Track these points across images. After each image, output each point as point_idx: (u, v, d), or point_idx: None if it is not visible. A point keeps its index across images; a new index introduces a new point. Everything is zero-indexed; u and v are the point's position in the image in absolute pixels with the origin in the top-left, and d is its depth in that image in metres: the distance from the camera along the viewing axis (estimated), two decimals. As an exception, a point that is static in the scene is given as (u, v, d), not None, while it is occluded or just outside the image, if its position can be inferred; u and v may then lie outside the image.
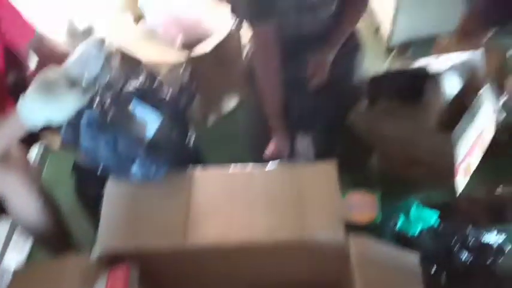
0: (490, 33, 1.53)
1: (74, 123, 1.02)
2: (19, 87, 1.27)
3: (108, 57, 0.91)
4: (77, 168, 1.21)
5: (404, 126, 1.33)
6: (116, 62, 0.98)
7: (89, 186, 1.18)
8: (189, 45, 1.60)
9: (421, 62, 1.40)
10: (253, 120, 1.49)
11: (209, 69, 1.63)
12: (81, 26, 1.94)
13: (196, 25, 1.63)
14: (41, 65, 1.28)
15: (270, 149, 1.31)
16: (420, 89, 1.30)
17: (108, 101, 0.99)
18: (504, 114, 1.53)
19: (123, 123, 1.01)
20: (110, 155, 1.04)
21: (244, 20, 1.26)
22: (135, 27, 1.74)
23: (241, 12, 1.26)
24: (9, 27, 1.15)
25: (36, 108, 0.86)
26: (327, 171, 1.04)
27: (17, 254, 1.37)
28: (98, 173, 1.07)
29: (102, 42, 0.91)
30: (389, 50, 2.07)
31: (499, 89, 1.50)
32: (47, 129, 1.12)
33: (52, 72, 0.87)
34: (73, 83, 0.88)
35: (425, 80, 1.29)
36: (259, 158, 1.37)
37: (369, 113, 1.39)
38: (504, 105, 1.53)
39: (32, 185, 1.11)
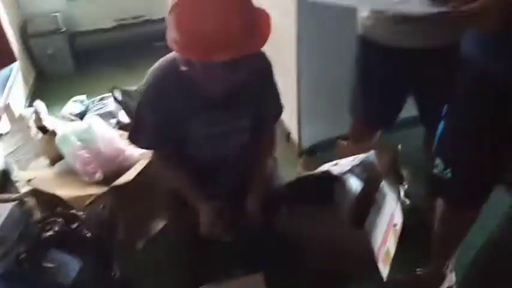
0: (377, 135, 1.77)
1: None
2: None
3: (27, 215, 0.93)
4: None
5: (323, 226, 1.42)
6: (33, 213, 0.99)
7: None
8: (110, 177, 1.64)
9: (327, 166, 1.56)
10: (179, 242, 1.50)
11: (133, 196, 1.65)
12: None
13: (115, 157, 1.69)
14: None
15: (203, 226, 1.26)
16: (330, 191, 1.44)
17: (24, 251, 0.97)
18: (407, 201, 1.71)
19: (40, 272, 0.99)
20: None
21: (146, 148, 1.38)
22: (53, 168, 1.76)
23: (143, 142, 1.31)
24: None
25: None
26: (255, 284, 1.07)
27: None
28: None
29: (21, 204, 0.94)
30: (300, 154, 2.26)
31: (398, 179, 1.69)
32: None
33: None
34: None
35: (332, 183, 1.44)
36: (189, 280, 1.37)
37: (290, 217, 1.48)
38: (406, 193, 1.71)
39: None
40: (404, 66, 1.40)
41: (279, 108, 1.42)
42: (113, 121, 2.37)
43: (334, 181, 1.43)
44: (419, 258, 1.58)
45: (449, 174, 1.16)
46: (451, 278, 1.44)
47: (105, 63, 3.44)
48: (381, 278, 1.47)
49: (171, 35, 1.05)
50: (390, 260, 1.53)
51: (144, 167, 1.66)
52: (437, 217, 1.32)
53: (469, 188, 1.17)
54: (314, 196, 1.46)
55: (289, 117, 2.24)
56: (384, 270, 1.48)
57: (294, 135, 2.29)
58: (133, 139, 1.30)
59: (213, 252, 1.46)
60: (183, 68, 1.09)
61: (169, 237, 1.78)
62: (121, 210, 1.65)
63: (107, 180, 1.65)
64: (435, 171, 1.20)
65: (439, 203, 1.32)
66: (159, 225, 1.87)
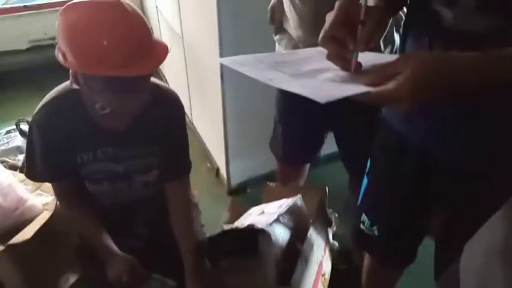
0: (304, 173, 1.72)
1: None
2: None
3: None
4: None
5: (247, 281, 1.33)
6: None
7: None
8: (6, 233, 1.43)
9: (253, 214, 1.48)
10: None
11: (36, 253, 1.45)
12: None
13: (13, 209, 1.47)
14: None
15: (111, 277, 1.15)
16: (254, 243, 1.35)
17: None
18: (337, 244, 1.66)
19: None
20: None
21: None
22: None
23: (37, 175, 1.22)
24: None
25: None
26: None
27: None
28: None
29: None
30: (230, 192, 2.17)
31: (326, 222, 1.64)
32: None
33: None
34: None
35: (257, 234, 1.35)
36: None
37: (213, 271, 1.37)
38: (334, 235, 1.67)
39: None
40: (322, 109, 1.36)
41: (185, 163, 1.30)
42: (21, 157, 2.14)
43: (259, 234, 1.35)
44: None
45: (376, 232, 1.11)
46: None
47: (16, 88, 3.13)
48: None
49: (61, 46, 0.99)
50: (321, 313, 1.47)
51: (47, 220, 1.47)
52: (364, 268, 1.28)
53: (396, 247, 1.14)
54: (238, 250, 1.37)
55: (217, 153, 2.15)
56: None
57: (223, 172, 2.19)
58: (28, 173, 1.22)
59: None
60: (74, 86, 1.03)
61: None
62: (22, 270, 1.45)
63: (4, 236, 1.44)
64: (362, 227, 1.15)
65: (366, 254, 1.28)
66: (70, 280, 1.68)
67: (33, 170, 1.20)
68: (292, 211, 1.47)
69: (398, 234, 1.09)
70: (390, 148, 1.01)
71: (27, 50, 3.23)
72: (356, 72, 0.70)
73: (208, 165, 2.35)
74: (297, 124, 1.52)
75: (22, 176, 1.69)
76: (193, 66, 2.18)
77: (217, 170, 2.28)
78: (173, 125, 1.23)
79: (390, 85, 0.59)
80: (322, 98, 0.62)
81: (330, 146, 2.20)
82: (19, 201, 1.51)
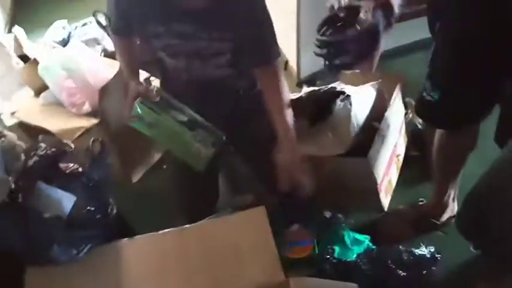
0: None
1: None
2: None
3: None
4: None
5: (317, 146, 1.36)
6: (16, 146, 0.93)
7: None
8: (97, 109, 1.55)
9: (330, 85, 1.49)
10: (179, 175, 1.45)
11: (125, 127, 1.57)
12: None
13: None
14: None
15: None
16: (329, 107, 1.38)
17: (13, 185, 0.92)
18: (411, 131, 1.66)
19: (33, 205, 0.94)
20: (25, 240, 0.95)
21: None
22: (37, 99, 1.66)
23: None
24: None
25: None
26: (257, 217, 1.04)
27: None
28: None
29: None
30: (299, 83, 2.16)
31: (403, 108, 1.62)
32: None
33: None
34: None
35: (334, 99, 1.37)
36: (188, 212, 1.35)
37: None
38: (409, 123, 1.66)
39: None
40: None
41: (270, 48, 1.21)
42: (98, 48, 2.22)
43: (336, 97, 1.37)
44: (421, 189, 1.56)
45: (436, 97, 1.11)
46: (453, 207, 1.43)
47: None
48: (382, 208, 1.46)
49: None
50: (392, 191, 1.51)
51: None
52: (434, 144, 1.28)
53: (456, 111, 1.13)
54: (312, 112, 1.41)
55: (287, 45, 2.11)
56: (385, 200, 1.47)
57: (292, 64, 2.18)
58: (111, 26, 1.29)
59: (213, 183, 1.44)
60: None
61: (167, 168, 1.74)
62: (114, 143, 1.59)
63: (95, 112, 1.56)
64: (424, 94, 1.15)
65: (438, 131, 1.27)
66: (155, 157, 1.83)
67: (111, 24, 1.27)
68: (370, 92, 1.46)
69: (460, 95, 1.08)
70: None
71: None
72: None
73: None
74: None
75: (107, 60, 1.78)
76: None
77: (286, 63, 2.26)
78: (255, 8, 1.16)
79: None
80: None
81: (407, 36, 2.10)
82: (107, 80, 1.61)
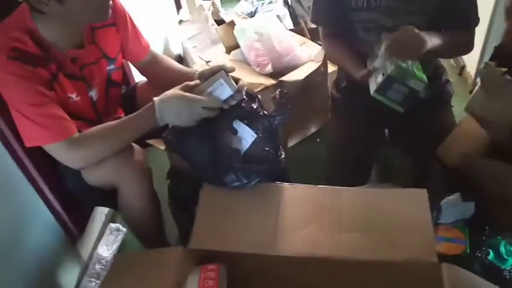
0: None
1: (178, 130, 1.14)
2: (127, 99, 1.41)
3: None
4: (173, 171, 1.29)
5: None
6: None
7: (182, 188, 1.26)
8: (277, 71, 1.70)
9: None
10: (332, 148, 1.52)
11: (295, 96, 1.70)
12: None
13: (285, 54, 1.72)
14: (152, 82, 1.41)
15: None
16: None
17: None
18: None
19: (223, 136, 1.10)
20: (209, 163, 1.12)
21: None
22: (227, 55, 1.88)
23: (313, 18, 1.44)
24: (129, 45, 1.29)
25: (172, 113, 1.08)
26: (419, 197, 1.04)
27: (108, 246, 1.46)
28: (192, 177, 1.16)
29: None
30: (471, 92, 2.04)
31: None
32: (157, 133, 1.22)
33: (192, 96, 1.08)
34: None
35: None
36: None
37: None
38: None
39: (144, 181, 1.19)
40: None
41: (469, 15, 1.25)
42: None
43: None
44: None
45: None
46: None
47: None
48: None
49: None
50: None
51: (313, 70, 1.67)
52: None
53: None
54: None
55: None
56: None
57: (470, 70, 2.06)
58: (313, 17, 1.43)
59: (366, 165, 1.47)
60: None
61: (319, 143, 1.82)
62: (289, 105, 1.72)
63: (275, 74, 1.72)
64: None
65: None
66: (312, 129, 1.92)
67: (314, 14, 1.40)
68: None
69: None
70: None
71: None
72: None
73: (452, 62, 2.24)
74: None
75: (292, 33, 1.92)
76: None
77: (462, 68, 2.15)
78: None
79: None
80: None
81: None
82: (289, 49, 1.76)
